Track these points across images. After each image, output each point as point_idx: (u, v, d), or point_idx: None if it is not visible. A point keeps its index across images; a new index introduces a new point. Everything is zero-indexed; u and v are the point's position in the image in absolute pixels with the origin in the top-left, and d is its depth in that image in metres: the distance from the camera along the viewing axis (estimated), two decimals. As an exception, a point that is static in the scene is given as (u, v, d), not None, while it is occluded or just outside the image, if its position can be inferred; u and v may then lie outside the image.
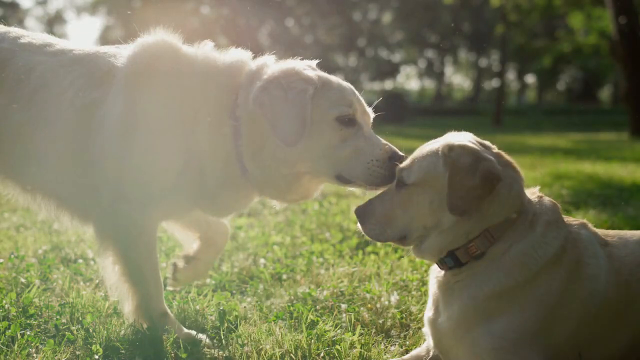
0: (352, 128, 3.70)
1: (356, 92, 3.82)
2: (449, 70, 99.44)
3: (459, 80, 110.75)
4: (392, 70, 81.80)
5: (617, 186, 11.19)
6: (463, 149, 3.20)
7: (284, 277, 5.27)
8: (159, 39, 3.91)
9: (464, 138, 3.34)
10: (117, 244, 3.90)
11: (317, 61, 3.94)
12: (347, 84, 3.81)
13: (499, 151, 3.36)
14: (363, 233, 3.49)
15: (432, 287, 3.49)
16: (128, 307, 4.00)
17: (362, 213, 3.48)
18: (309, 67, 3.81)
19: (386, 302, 4.53)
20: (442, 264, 3.36)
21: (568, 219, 3.41)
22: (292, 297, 4.74)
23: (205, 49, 3.95)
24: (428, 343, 3.59)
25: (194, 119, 3.79)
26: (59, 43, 4.13)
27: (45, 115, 3.92)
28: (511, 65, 78.56)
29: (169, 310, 4.05)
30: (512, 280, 3.19)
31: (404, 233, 3.37)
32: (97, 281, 5.02)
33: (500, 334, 3.14)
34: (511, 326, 3.14)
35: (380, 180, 3.62)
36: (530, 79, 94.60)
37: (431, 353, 3.57)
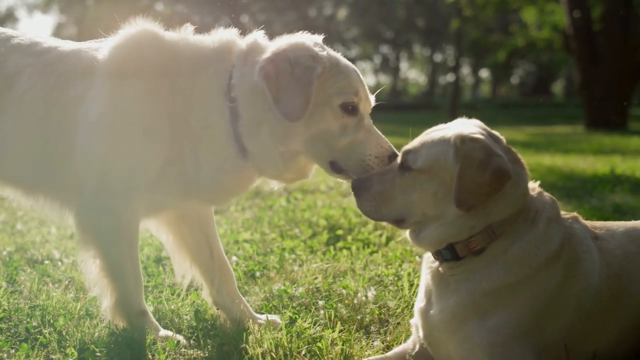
0: (354, 117, 3.63)
1: (361, 76, 3.75)
2: (404, 65, 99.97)
3: (414, 75, 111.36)
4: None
5: (579, 178, 11.29)
6: (476, 142, 3.11)
7: (257, 274, 5.20)
8: (139, 29, 3.83)
9: (475, 128, 3.25)
10: (98, 238, 3.80)
11: (322, 36, 3.83)
12: (353, 67, 3.73)
13: (508, 146, 3.30)
14: (357, 207, 3.44)
15: (425, 278, 3.43)
16: (106, 303, 3.90)
17: (358, 187, 3.41)
18: (317, 45, 3.71)
19: (363, 298, 4.48)
20: (438, 255, 3.30)
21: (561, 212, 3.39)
22: (268, 295, 4.67)
23: (188, 34, 3.88)
24: (415, 335, 3.53)
25: (185, 107, 3.70)
26: (45, 41, 4.04)
27: (35, 116, 3.85)
28: (466, 60, 79.01)
29: (148, 309, 3.96)
30: (512, 277, 3.14)
31: (401, 216, 3.30)
32: (66, 282, 4.91)
33: (495, 330, 3.10)
34: (506, 322, 3.10)
35: None
36: (484, 73, 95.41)
37: (417, 347, 3.52)
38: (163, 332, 3.90)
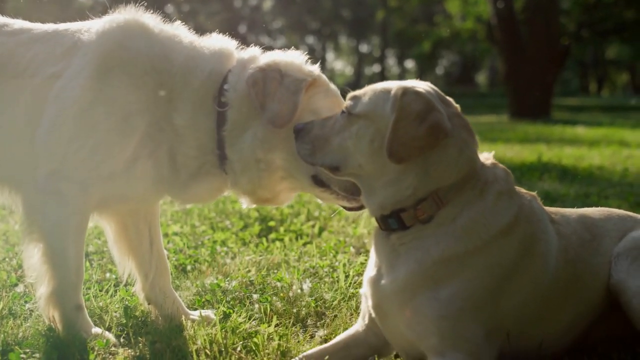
0: None
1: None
2: (330, 56, 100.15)
3: (340, 66, 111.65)
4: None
5: (507, 166, 11.15)
6: (417, 95, 3.03)
7: (189, 268, 5.07)
8: (131, 18, 3.75)
9: (424, 86, 3.17)
10: (44, 221, 3.64)
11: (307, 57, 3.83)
12: (336, 89, 3.76)
13: (459, 112, 3.20)
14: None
15: (375, 247, 3.32)
16: (42, 291, 3.71)
17: (299, 129, 3.38)
18: (307, 62, 3.75)
19: (299, 291, 4.37)
20: (385, 224, 3.19)
21: (519, 190, 3.32)
22: (200, 289, 4.55)
23: (182, 31, 3.83)
24: (364, 306, 3.42)
25: (170, 104, 3.63)
26: (16, 23, 3.90)
27: (3, 96, 3.69)
28: (391, 50, 79.62)
29: (84, 305, 3.78)
30: (461, 247, 3.05)
31: (336, 163, 3.23)
32: (-14, 281, 4.69)
33: (446, 301, 3.01)
34: (458, 294, 3.02)
35: (357, 192, 3.46)
36: (409, 64, 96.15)
37: (367, 319, 3.42)
38: (94, 329, 3.74)
